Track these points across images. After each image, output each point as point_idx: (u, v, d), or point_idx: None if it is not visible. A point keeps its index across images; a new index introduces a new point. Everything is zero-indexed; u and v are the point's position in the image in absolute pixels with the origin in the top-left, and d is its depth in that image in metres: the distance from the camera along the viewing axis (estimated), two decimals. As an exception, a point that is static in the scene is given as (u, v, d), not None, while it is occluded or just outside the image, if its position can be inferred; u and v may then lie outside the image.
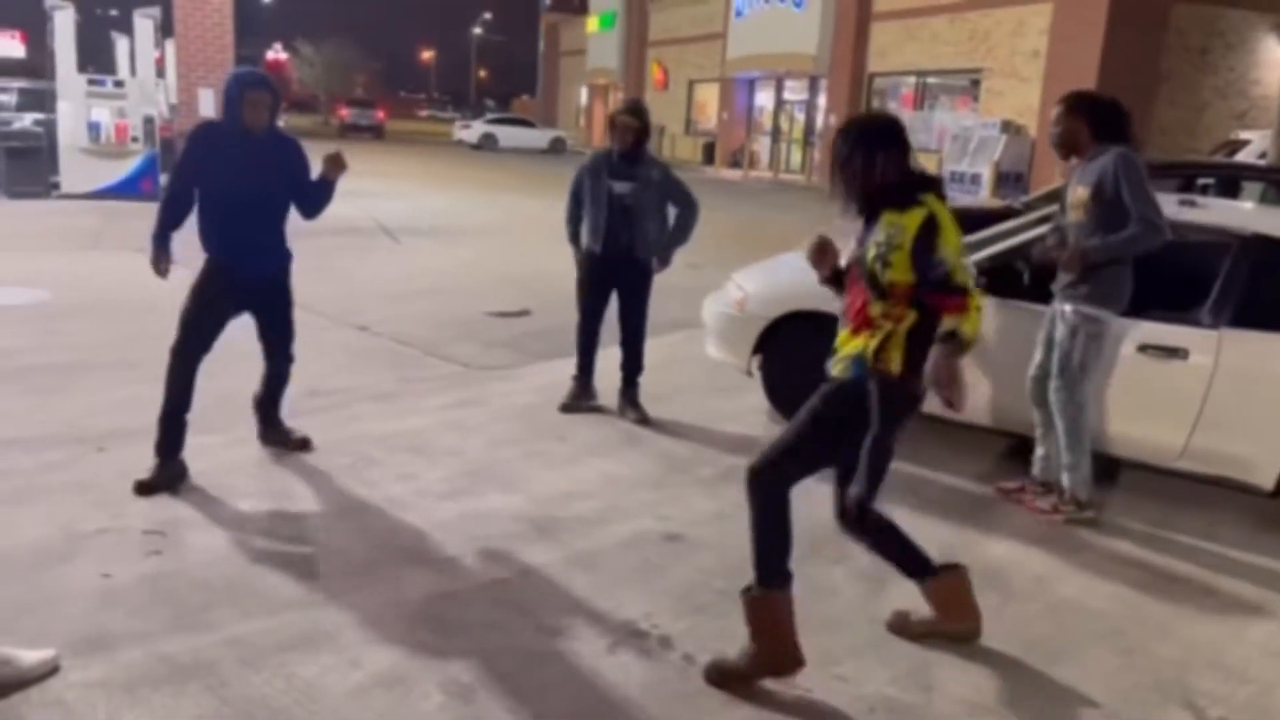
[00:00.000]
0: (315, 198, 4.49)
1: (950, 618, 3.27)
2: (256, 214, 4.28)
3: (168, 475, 4.14)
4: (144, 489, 4.05)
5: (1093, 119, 4.17)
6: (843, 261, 3.14)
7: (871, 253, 2.91)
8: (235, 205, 4.21)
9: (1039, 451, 4.53)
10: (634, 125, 5.20)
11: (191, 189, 4.23)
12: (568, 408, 5.48)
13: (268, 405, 4.68)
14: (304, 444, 4.65)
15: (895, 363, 2.89)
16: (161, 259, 4.26)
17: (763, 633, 2.97)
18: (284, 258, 4.45)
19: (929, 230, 2.82)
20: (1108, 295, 4.15)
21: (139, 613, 3.14)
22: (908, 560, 3.26)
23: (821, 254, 3.14)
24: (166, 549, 3.60)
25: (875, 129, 2.98)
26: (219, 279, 4.26)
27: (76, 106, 13.76)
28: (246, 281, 4.31)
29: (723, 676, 2.97)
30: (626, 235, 5.26)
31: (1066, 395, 4.21)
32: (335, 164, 4.40)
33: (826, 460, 3.10)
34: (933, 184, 2.95)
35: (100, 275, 8.65)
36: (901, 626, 3.32)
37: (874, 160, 2.91)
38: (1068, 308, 4.21)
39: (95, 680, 2.77)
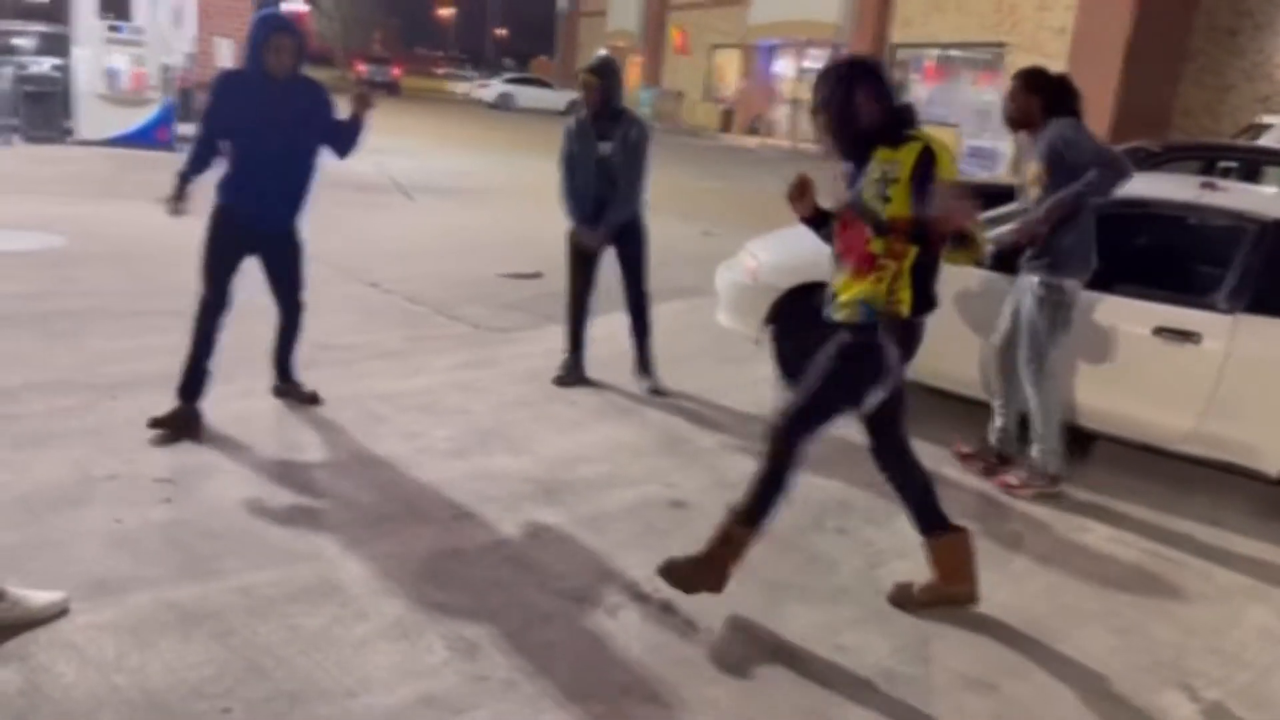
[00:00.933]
0: (347, 136, 4.46)
1: (949, 579, 3.31)
2: (278, 161, 4.26)
3: (179, 417, 4.19)
4: (157, 424, 4.12)
5: (1047, 96, 4.22)
6: (825, 204, 3.19)
7: (870, 191, 2.94)
8: (258, 151, 4.20)
9: (997, 423, 4.58)
10: (594, 83, 5.04)
11: (219, 136, 4.22)
12: (563, 381, 5.35)
13: (282, 356, 4.70)
14: (313, 398, 4.68)
15: (906, 304, 2.97)
16: (179, 200, 4.21)
17: (715, 555, 3.11)
18: (294, 210, 4.41)
19: (927, 161, 2.88)
20: (1069, 263, 4.19)
21: (148, 559, 3.19)
22: (928, 512, 3.31)
23: (801, 191, 3.17)
24: (177, 497, 3.64)
25: (860, 69, 3.06)
26: (228, 226, 4.25)
27: (95, 52, 13.70)
28: (256, 229, 4.31)
29: (670, 566, 3.12)
30: (611, 197, 5.14)
31: (1036, 366, 4.26)
32: (363, 102, 4.40)
33: (845, 411, 3.14)
34: (915, 118, 3.03)
35: (115, 223, 8.66)
36: (903, 598, 3.35)
37: (863, 99, 2.97)
38: (1034, 279, 4.24)
39: (104, 623, 2.81)
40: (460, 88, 41.03)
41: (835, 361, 3.06)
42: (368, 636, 2.89)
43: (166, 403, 4.19)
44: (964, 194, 2.83)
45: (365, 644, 2.85)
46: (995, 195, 7.54)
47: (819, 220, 3.23)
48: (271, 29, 4.12)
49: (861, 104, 2.96)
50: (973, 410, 4.83)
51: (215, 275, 4.24)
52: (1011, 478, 4.43)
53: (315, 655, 2.77)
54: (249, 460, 4.03)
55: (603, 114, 5.11)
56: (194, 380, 4.24)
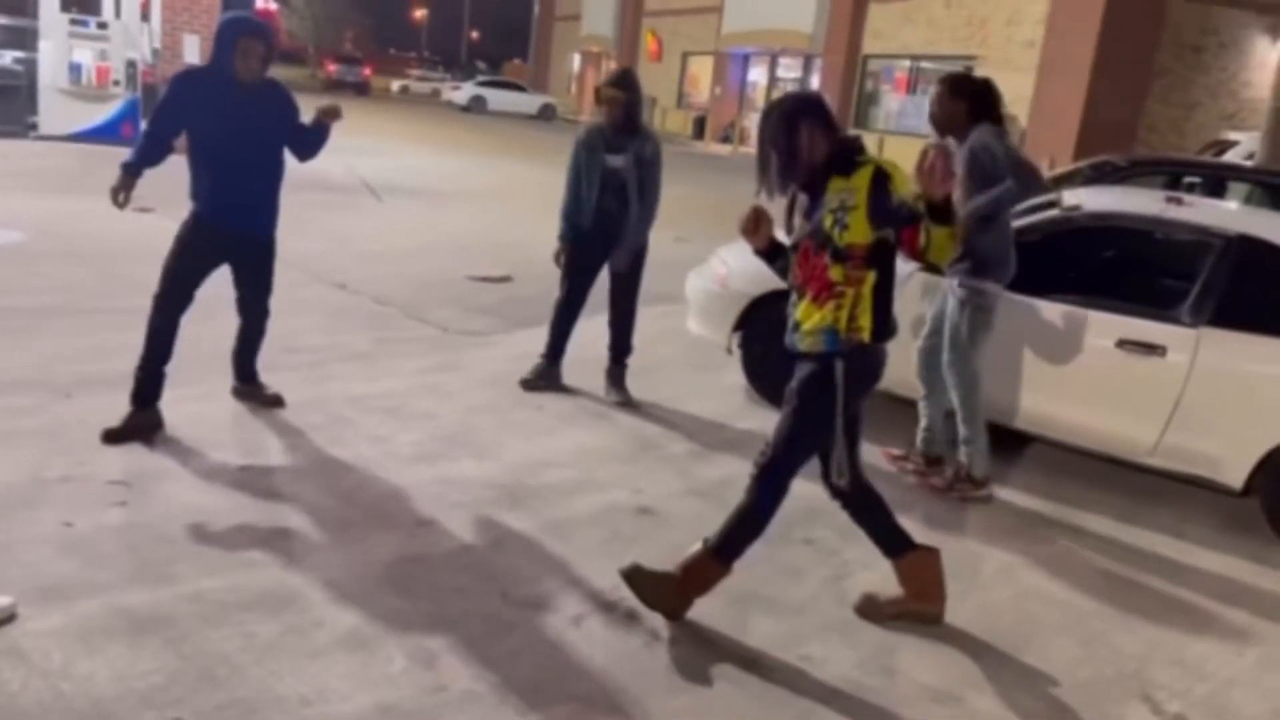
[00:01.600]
0: (310, 141, 4.40)
1: (919, 597, 3.30)
2: (246, 167, 4.18)
3: (137, 424, 4.08)
4: (111, 437, 4.00)
5: (973, 101, 4.25)
6: (782, 236, 3.20)
7: (828, 220, 2.96)
8: (224, 157, 4.11)
9: (922, 423, 4.64)
10: (620, 98, 4.96)
11: (170, 135, 4.12)
12: (530, 385, 5.28)
13: (244, 360, 4.62)
14: (276, 400, 4.60)
15: (867, 330, 2.98)
16: (123, 189, 4.04)
17: (681, 581, 3.13)
18: (273, 213, 4.35)
19: (880, 181, 2.91)
20: (990, 267, 4.22)
21: (99, 563, 3.10)
22: (889, 535, 3.28)
23: (756, 225, 3.16)
24: (131, 500, 3.55)
25: (804, 106, 3.06)
26: (204, 230, 4.17)
27: (58, 46, 13.47)
28: (232, 234, 4.23)
29: (635, 573, 3.13)
30: (618, 212, 5.08)
31: (959, 368, 4.30)
32: (331, 114, 4.34)
33: (820, 443, 3.14)
34: (861, 146, 3.06)
35: (76, 219, 8.50)
36: (870, 609, 3.33)
37: (809, 135, 2.98)
38: (954, 282, 4.28)
39: (51, 629, 2.74)
40: (396, 84, 43.19)
41: (803, 397, 3.06)
42: (325, 645, 2.83)
43: (124, 404, 4.10)
44: (945, 162, 2.83)
45: (322, 652, 2.79)
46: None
47: (774, 253, 3.23)
48: (241, 32, 4.02)
49: (808, 139, 2.99)
50: (908, 411, 4.83)
51: (181, 281, 4.15)
52: (938, 480, 4.48)
53: (270, 664, 2.71)
54: (207, 464, 3.94)
55: (622, 128, 5.02)
56: (149, 385, 4.14)
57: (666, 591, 3.13)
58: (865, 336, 2.98)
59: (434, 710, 2.61)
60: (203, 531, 3.39)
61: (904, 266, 4.88)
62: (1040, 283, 4.71)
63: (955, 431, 4.41)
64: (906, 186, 2.94)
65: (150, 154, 4.11)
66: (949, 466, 4.50)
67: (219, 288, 4.40)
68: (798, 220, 3.11)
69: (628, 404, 5.26)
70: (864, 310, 2.97)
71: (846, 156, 2.99)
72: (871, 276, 2.97)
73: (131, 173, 4.07)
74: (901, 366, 4.67)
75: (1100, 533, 4.25)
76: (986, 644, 3.25)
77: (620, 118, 4.99)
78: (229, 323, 4.56)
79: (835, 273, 2.97)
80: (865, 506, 3.28)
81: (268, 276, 4.47)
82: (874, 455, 4.61)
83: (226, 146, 4.10)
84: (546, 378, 5.35)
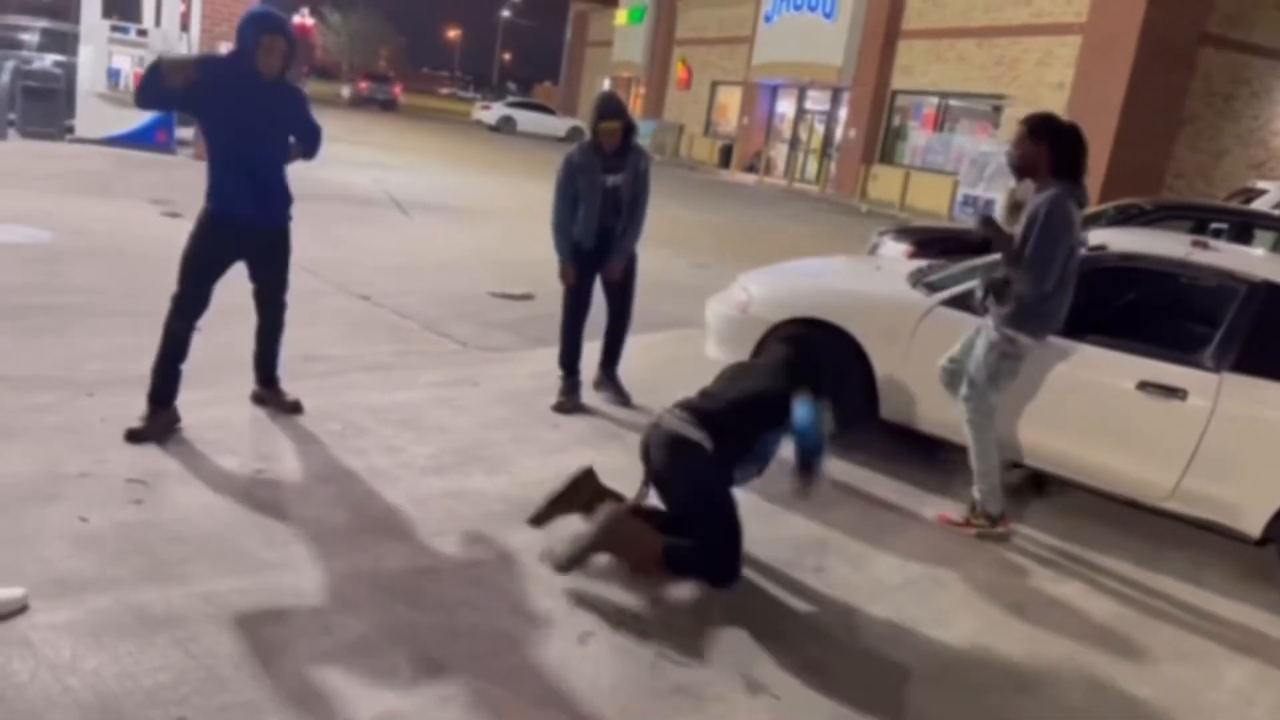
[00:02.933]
0: (311, 143, 4.50)
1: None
2: (259, 159, 4.23)
3: (159, 425, 4.12)
4: (134, 436, 4.03)
5: (1054, 149, 4.12)
6: None
7: None
8: (238, 149, 4.16)
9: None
10: (618, 128, 5.09)
11: (179, 94, 3.98)
12: (564, 408, 5.31)
13: (266, 363, 4.65)
14: (295, 407, 4.63)
15: None
16: (176, 70, 3.89)
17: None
18: (285, 202, 4.40)
19: None
20: (1028, 318, 4.15)
21: (113, 560, 3.12)
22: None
23: None
24: (147, 499, 3.58)
25: None
26: (218, 223, 4.21)
27: (98, 51, 13.71)
28: (245, 225, 4.26)
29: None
30: (618, 226, 5.28)
31: (974, 405, 4.27)
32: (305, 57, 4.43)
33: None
34: None
35: (106, 222, 8.61)
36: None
37: None
38: (991, 323, 4.24)
39: (62, 623, 2.75)
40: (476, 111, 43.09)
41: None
42: (331, 651, 2.83)
43: (145, 404, 4.13)
44: None
45: (328, 658, 2.79)
46: (988, 244, 7.57)
47: None
48: (264, 28, 4.06)
49: None
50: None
51: (199, 279, 4.18)
52: (955, 514, 4.43)
53: (276, 667, 2.71)
54: (223, 466, 3.97)
55: (619, 150, 5.17)
56: (167, 384, 4.17)
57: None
58: None
59: (437, 721, 2.60)
60: (216, 533, 3.41)
61: (922, 299, 4.93)
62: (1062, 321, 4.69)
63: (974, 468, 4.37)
64: None
65: (149, 88, 3.95)
66: (965, 502, 4.46)
67: (240, 295, 4.45)
68: None
69: (624, 401, 5.44)
70: None
71: None
72: None
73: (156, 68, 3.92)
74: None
75: (1116, 574, 4.20)
76: (995, 683, 3.22)
77: (621, 143, 5.15)
78: (250, 328, 4.60)
79: None
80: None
81: (283, 269, 4.50)
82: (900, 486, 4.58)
83: (241, 139, 4.16)
84: (573, 394, 5.41)
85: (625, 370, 5.64)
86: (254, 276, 4.47)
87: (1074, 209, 4.06)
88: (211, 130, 4.19)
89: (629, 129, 5.17)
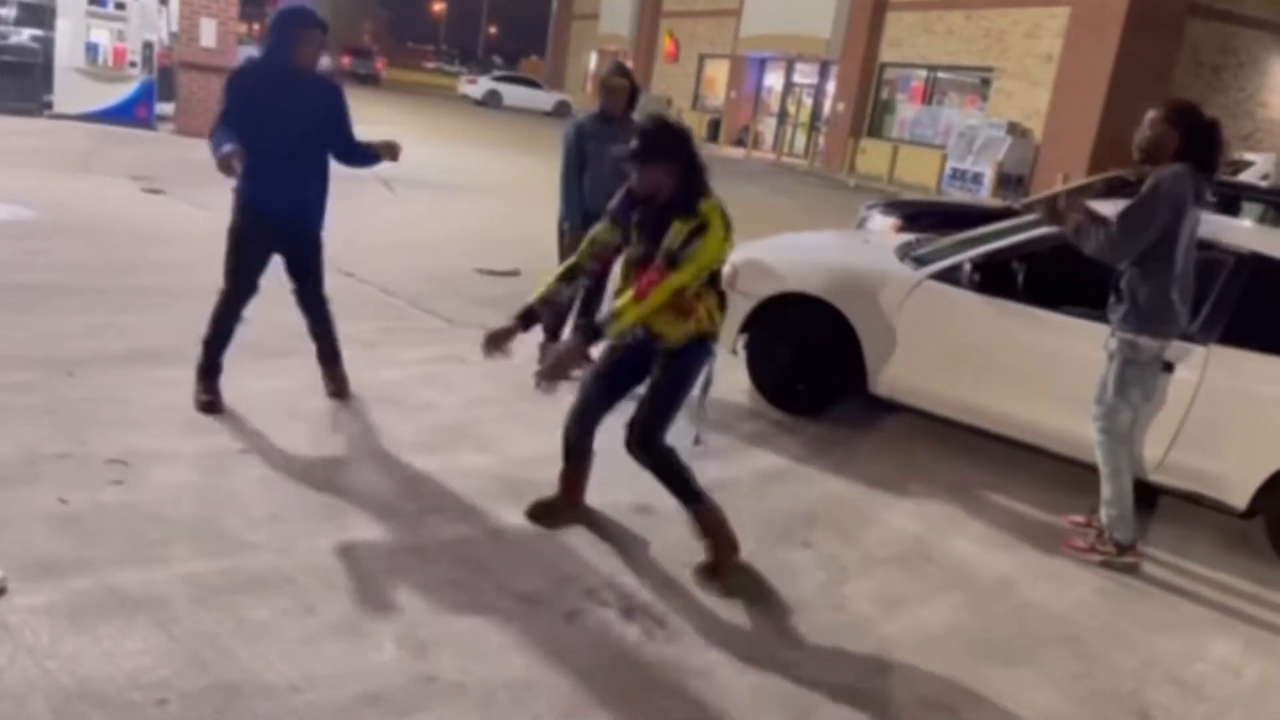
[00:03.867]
0: (357, 155, 4.47)
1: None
2: (295, 156, 4.21)
3: (215, 394, 4.27)
4: (209, 408, 4.20)
5: (1186, 137, 3.80)
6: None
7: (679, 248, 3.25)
8: (274, 146, 4.11)
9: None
10: (625, 85, 5.22)
11: (239, 126, 4.04)
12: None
13: (328, 356, 4.67)
14: (339, 392, 4.65)
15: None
16: (229, 154, 3.88)
17: (710, 531, 3.46)
18: (320, 211, 4.41)
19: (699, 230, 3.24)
20: (1148, 318, 3.83)
21: (93, 542, 3.08)
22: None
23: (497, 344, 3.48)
24: (128, 479, 3.54)
25: (689, 141, 3.39)
26: (257, 225, 4.22)
27: (75, 26, 13.49)
28: (278, 223, 4.26)
29: (707, 573, 3.41)
30: None
31: (1103, 425, 3.98)
32: (390, 151, 4.46)
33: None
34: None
35: (87, 198, 8.50)
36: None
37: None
38: (1109, 330, 3.96)
39: (40, 605, 2.72)
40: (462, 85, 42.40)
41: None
42: (316, 631, 2.81)
43: (129, 382, 4.13)
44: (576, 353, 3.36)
45: (313, 639, 2.77)
46: (976, 217, 7.57)
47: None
48: (306, 24, 4.09)
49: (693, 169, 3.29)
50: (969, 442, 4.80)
51: (244, 273, 4.24)
52: (1080, 540, 4.14)
53: (259, 648, 2.69)
54: (205, 446, 3.92)
55: (623, 116, 5.20)
56: (215, 358, 4.29)
57: (721, 551, 3.45)
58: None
59: (422, 701, 2.59)
60: (197, 514, 3.37)
61: (910, 273, 4.91)
62: (1049, 294, 4.68)
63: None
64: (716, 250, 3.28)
65: (223, 143, 3.95)
66: (1094, 528, 4.16)
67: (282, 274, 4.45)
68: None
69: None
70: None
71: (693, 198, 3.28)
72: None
73: (222, 142, 3.93)
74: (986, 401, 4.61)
75: (1102, 548, 4.21)
76: (984, 656, 3.22)
77: (623, 105, 5.22)
78: (250, 311, 4.54)
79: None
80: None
81: (317, 270, 4.52)
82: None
83: (284, 134, 4.12)
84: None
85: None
86: (290, 276, 4.47)
87: (1189, 197, 3.74)
88: (252, 134, 4.04)
89: (633, 95, 5.26)
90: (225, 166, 3.90)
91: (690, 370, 3.48)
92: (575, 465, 3.75)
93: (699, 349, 3.45)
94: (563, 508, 3.75)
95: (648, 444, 3.42)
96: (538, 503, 3.74)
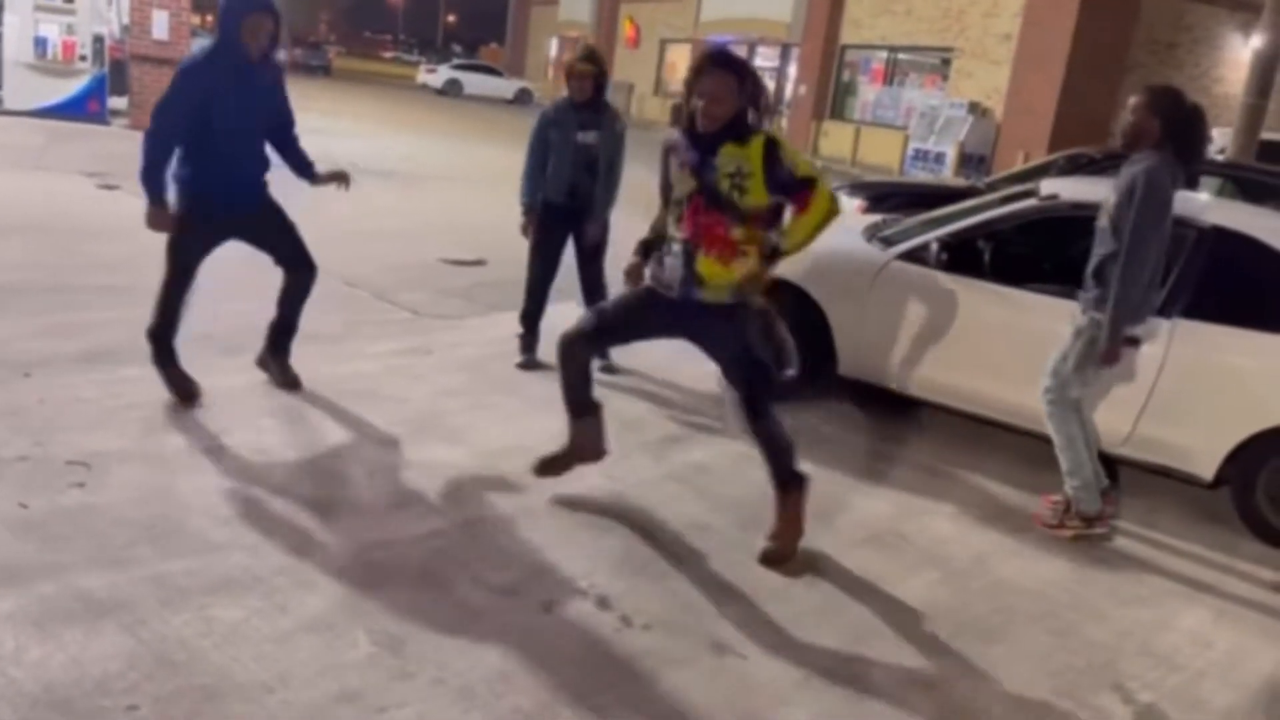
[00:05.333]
0: (295, 155, 4.48)
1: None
2: (249, 149, 4.15)
3: (184, 380, 4.22)
4: (189, 399, 4.19)
5: (1168, 125, 3.80)
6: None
7: (724, 183, 3.24)
8: (233, 138, 4.04)
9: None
10: (591, 71, 5.07)
11: (178, 134, 3.96)
12: (529, 365, 5.31)
13: (285, 323, 4.55)
14: (294, 383, 4.56)
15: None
16: (161, 211, 3.97)
17: (792, 516, 3.55)
18: (265, 183, 4.33)
19: (772, 150, 3.23)
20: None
21: (56, 545, 3.01)
22: (581, 395, 3.72)
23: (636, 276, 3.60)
24: (90, 481, 3.46)
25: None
26: (203, 219, 4.11)
27: (24, 20, 13.17)
28: (234, 214, 4.17)
29: (775, 558, 3.48)
30: (590, 186, 5.15)
31: (1054, 396, 4.00)
32: (339, 180, 4.60)
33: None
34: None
35: (40, 196, 8.30)
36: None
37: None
38: (1078, 308, 3.98)
39: (4, 613, 2.65)
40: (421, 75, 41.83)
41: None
42: (288, 630, 2.76)
43: (87, 382, 4.02)
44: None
45: (285, 638, 2.72)
46: (941, 197, 7.61)
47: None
48: (251, 8, 3.94)
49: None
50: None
51: (186, 264, 4.14)
52: (1048, 514, 4.17)
53: (231, 649, 2.64)
54: (169, 445, 3.85)
55: (590, 103, 5.10)
56: (168, 340, 4.22)
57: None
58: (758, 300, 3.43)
59: (398, 696, 2.55)
60: (163, 514, 3.30)
61: (878, 254, 4.91)
62: (1016, 271, 4.70)
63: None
64: (795, 154, 3.26)
65: (166, 153, 3.97)
66: (1063, 503, 4.14)
67: (232, 268, 4.36)
68: (674, 168, 3.41)
69: (610, 369, 5.33)
70: (765, 267, 3.35)
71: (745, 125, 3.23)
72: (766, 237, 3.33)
73: (157, 188, 3.96)
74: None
75: (1073, 522, 4.24)
76: (960, 632, 3.23)
77: (591, 91, 5.08)
78: (219, 305, 4.46)
79: (738, 233, 3.29)
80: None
81: (292, 234, 4.45)
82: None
83: (234, 124, 4.03)
84: (529, 351, 5.36)
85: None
86: (265, 251, 4.39)
87: (1170, 187, 3.75)
88: (203, 128, 3.96)
89: (601, 81, 5.12)
90: (159, 224, 3.96)
91: (744, 330, 3.47)
92: (593, 419, 3.81)
93: (744, 312, 3.45)
94: (573, 463, 3.83)
95: (762, 410, 3.47)
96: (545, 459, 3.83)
